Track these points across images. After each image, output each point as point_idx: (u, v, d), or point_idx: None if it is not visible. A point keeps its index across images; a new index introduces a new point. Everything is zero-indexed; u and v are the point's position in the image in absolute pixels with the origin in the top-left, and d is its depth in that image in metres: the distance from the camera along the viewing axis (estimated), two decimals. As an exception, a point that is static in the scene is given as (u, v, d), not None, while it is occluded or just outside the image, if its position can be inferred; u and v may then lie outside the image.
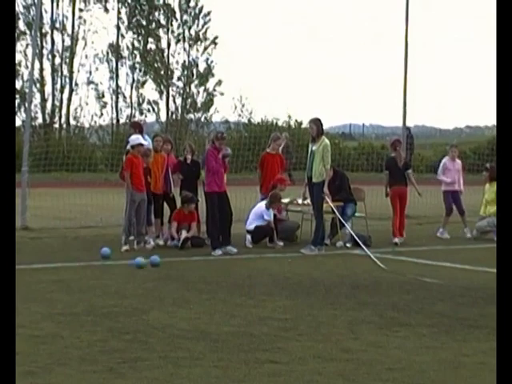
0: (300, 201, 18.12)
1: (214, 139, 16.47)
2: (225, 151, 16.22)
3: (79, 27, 55.32)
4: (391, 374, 7.61)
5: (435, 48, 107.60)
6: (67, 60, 55.19)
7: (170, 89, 57.16)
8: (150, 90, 57.62)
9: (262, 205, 17.65)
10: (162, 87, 56.98)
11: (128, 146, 17.17)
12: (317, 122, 16.83)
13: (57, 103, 55.38)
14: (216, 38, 57.40)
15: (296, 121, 53.32)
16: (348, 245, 17.71)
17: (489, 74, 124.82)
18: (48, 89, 54.95)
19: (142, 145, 17.00)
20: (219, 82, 57.43)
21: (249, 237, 17.37)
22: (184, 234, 16.98)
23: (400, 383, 7.31)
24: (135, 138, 17.06)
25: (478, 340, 9.06)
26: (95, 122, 56.30)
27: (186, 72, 57.00)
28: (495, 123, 66.65)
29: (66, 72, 55.29)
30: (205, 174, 16.43)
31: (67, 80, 55.36)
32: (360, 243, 16.74)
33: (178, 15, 57.17)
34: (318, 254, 16.46)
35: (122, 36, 56.79)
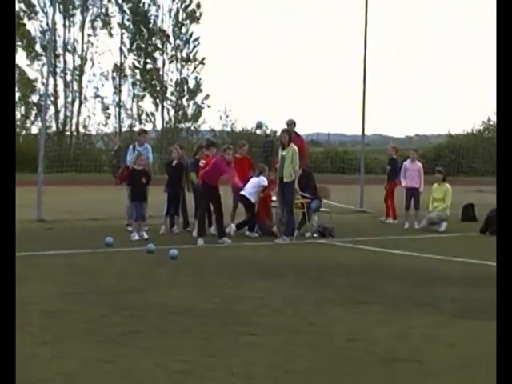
0: (274, 198, 18.17)
1: (222, 151, 16.64)
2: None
3: (88, 49, 55.36)
4: (350, 343, 7.64)
5: (391, 65, 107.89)
6: (77, 77, 55.15)
7: (165, 102, 57.13)
8: (147, 103, 57.68)
9: (255, 178, 17.67)
10: (158, 101, 57.01)
11: None
12: (288, 132, 17.15)
13: (68, 114, 55.36)
14: (204, 59, 57.55)
15: (271, 130, 53.32)
16: (315, 235, 17.73)
17: (434, 89, 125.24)
18: (61, 102, 55.03)
19: None
20: (207, 96, 57.54)
21: (233, 225, 17.45)
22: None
23: (357, 351, 7.34)
24: None
25: (424, 315, 9.08)
26: (101, 130, 56.39)
27: (178, 88, 57.02)
28: (440, 132, 66.67)
29: (76, 87, 55.31)
30: (208, 170, 16.35)
31: (77, 94, 55.37)
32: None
33: (171, 40, 57.23)
34: (289, 243, 16.47)
35: (125, 57, 56.90)
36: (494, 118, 58.79)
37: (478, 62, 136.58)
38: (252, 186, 17.57)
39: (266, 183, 17.64)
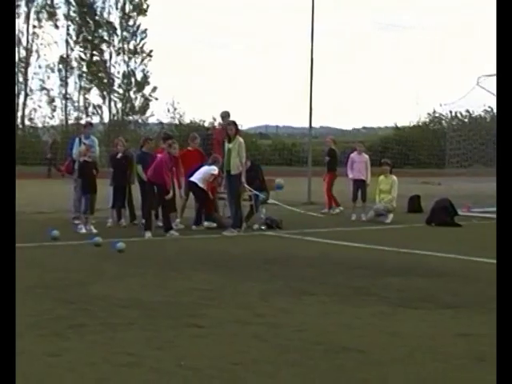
0: (222, 189, 18.20)
1: (167, 147, 16.57)
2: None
3: (33, 41, 54.74)
4: (297, 334, 7.67)
5: (339, 58, 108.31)
6: (22, 69, 54.51)
7: (112, 95, 56.76)
8: (94, 96, 57.32)
9: (206, 167, 17.62)
10: (105, 93, 56.62)
11: None
12: (235, 124, 17.05)
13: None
14: (151, 51, 57.34)
15: (220, 123, 53.30)
16: (263, 227, 17.75)
17: (381, 83, 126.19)
18: (6, 94, 54.28)
19: None
20: (154, 89, 57.35)
21: (206, 223, 17.44)
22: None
23: (304, 342, 7.37)
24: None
25: (369, 305, 9.15)
26: (47, 122, 55.85)
27: (125, 80, 56.69)
28: (387, 124, 67.05)
29: (21, 80, 54.60)
30: (152, 169, 16.26)
31: (22, 87, 54.70)
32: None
33: (118, 32, 56.89)
34: (237, 235, 16.48)
35: (71, 49, 56.40)
36: (439, 110, 59.29)
37: (424, 55, 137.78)
38: (202, 173, 17.51)
39: (216, 172, 17.61)
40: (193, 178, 17.48)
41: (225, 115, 18.98)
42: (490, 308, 9.07)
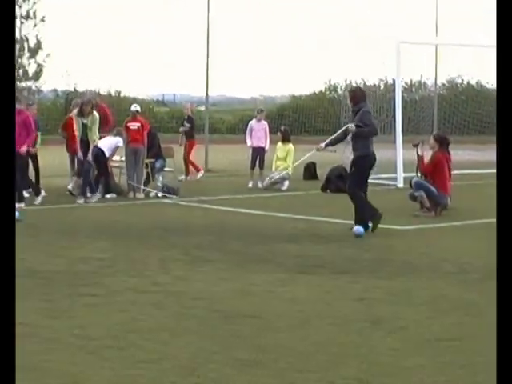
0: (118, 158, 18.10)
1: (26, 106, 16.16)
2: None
3: None
4: (194, 302, 7.66)
5: (237, 27, 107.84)
6: None
7: (5, 61, 55.47)
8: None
9: (112, 138, 17.39)
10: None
11: None
12: (91, 103, 16.83)
13: None
14: (44, 16, 56.00)
15: (116, 90, 52.58)
16: (159, 195, 17.63)
17: (279, 52, 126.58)
18: None
19: None
20: (48, 55, 56.13)
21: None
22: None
23: (201, 309, 7.37)
24: None
25: (266, 272, 9.19)
26: None
27: (18, 46, 55.41)
28: (284, 93, 67.26)
29: None
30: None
31: None
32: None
33: (10, -4, 55.44)
34: (133, 203, 16.30)
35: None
36: (334, 80, 59.78)
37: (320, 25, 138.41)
38: (109, 143, 17.28)
39: (121, 144, 17.51)
40: (102, 146, 17.15)
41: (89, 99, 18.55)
42: (384, 273, 9.25)
